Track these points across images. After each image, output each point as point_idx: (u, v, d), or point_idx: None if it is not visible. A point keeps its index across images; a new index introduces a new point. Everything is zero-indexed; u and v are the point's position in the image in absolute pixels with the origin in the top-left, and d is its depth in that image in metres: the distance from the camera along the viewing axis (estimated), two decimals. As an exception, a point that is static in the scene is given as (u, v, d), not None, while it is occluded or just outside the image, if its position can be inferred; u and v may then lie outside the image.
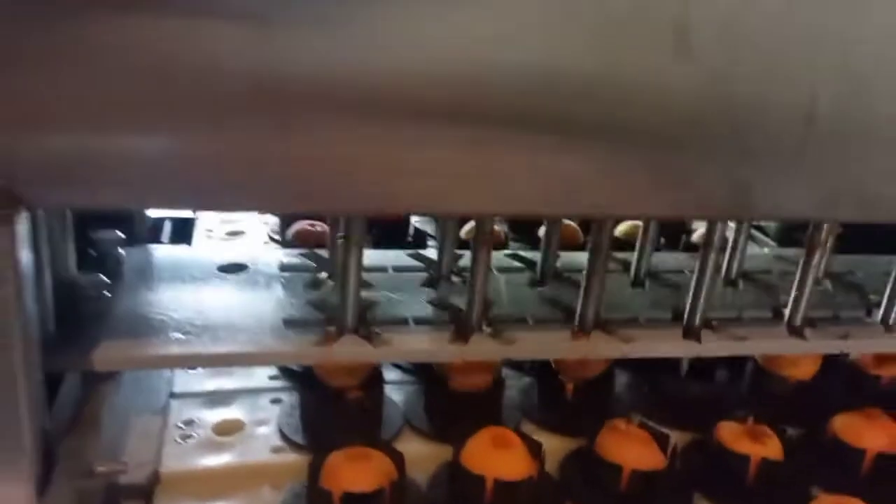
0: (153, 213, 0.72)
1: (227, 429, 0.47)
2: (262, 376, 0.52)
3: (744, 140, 0.36)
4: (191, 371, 0.51)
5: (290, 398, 0.50)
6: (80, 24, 0.29)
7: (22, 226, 0.32)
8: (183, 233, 0.74)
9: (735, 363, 0.56)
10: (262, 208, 0.40)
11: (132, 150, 0.32)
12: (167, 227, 0.74)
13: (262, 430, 0.47)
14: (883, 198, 0.39)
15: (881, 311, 0.53)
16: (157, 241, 0.72)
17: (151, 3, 0.30)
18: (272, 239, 0.74)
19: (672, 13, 0.33)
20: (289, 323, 0.46)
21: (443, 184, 0.35)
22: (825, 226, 0.49)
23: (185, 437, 0.45)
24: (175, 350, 0.42)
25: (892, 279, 0.52)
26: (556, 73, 0.34)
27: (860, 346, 0.53)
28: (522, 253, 0.60)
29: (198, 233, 0.75)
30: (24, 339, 0.32)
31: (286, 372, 0.53)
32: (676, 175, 0.36)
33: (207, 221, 0.77)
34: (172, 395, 0.48)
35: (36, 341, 0.34)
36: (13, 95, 0.30)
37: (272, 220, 0.78)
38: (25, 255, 0.33)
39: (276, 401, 0.49)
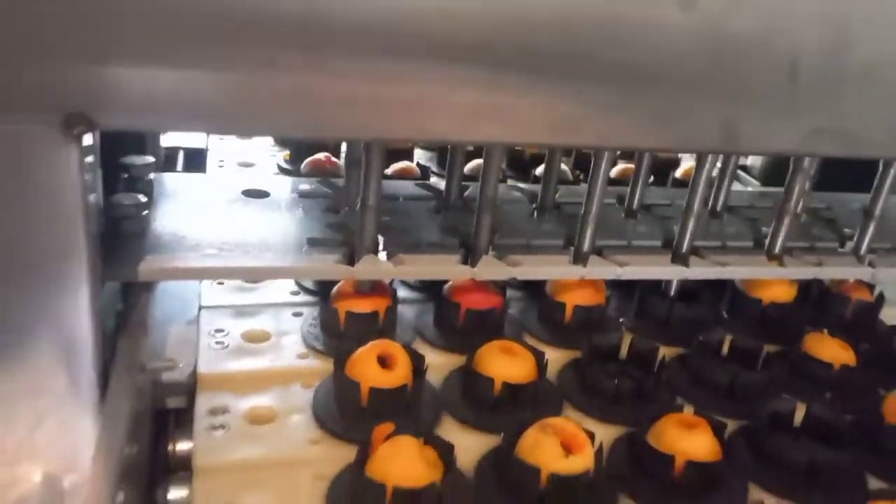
0: (167, 143, 0.75)
1: (256, 337, 0.51)
2: (284, 292, 0.56)
3: (733, 79, 0.40)
4: (217, 285, 0.55)
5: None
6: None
7: (89, 143, 0.35)
8: (196, 163, 0.78)
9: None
10: (305, 133, 0.44)
11: (186, 79, 0.35)
12: (181, 157, 0.78)
13: (287, 339, 0.51)
14: (862, 135, 0.43)
15: (853, 243, 0.58)
16: (172, 170, 0.76)
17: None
18: (282, 170, 0.78)
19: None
20: (313, 242, 0.50)
21: (460, 117, 0.39)
22: (804, 162, 0.54)
23: (219, 343, 0.49)
24: (212, 263, 0.46)
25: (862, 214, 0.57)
26: (565, 17, 0.37)
27: (833, 273, 0.58)
28: (522, 185, 0.64)
29: (210, 164, 0.78)
30: (89, 245, 0.36)
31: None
32: (669, 111, 0.40)
33: (219, 153, 0.80)
34: (203, 308, 0.53)
35: (97, 248, 0.38)
36: (87, 30, 0.33)
37: (281, 153, 0.82)
38: (89, 169, 0.36)
39: (297, 314, 0.54)
